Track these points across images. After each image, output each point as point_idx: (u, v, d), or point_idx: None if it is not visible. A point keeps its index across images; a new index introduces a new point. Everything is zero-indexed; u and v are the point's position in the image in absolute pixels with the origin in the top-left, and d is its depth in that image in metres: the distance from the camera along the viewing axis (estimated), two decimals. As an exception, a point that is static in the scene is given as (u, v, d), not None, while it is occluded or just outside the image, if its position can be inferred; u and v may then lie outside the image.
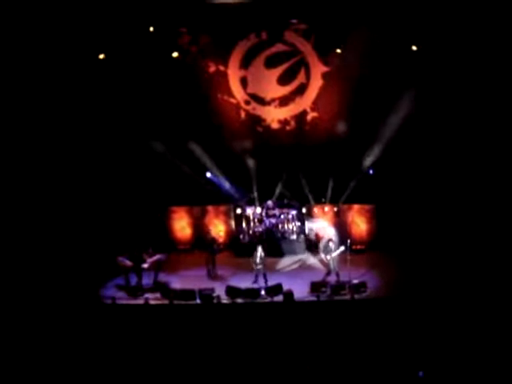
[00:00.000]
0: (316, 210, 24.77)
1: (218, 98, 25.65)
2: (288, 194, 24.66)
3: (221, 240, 24.20)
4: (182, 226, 25.44)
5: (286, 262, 23.31)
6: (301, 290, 20.50)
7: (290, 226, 24.60)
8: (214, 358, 17.21)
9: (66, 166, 24.15)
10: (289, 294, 20.10)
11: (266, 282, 20.95)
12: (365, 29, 22.94)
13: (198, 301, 20.33)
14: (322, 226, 24.28)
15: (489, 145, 22.76)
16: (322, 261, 22.07)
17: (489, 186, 22.63)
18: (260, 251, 21.22)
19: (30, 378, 16.82)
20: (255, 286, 20.82)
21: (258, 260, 21.18)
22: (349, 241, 22.45)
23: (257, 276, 21.12)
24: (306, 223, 24.67)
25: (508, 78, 22.30)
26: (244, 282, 21.03)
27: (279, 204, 24.84)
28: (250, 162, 25.01)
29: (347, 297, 20.10)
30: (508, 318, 17.59)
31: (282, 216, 24.64)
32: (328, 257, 21.30)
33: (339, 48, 24.08)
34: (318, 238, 24.01)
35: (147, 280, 21.65)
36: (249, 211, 24.99)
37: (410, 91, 23.14)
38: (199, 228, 25.18)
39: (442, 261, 21.39)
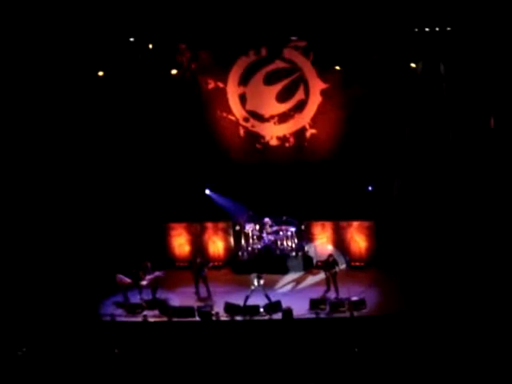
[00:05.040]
0: (315, 227, 24.67)
1: (216, 114, 25.63)
2: (287, 210, 24.56)
3: (210, 264, 23.75)
4: (180, 242, 25.33)
5: (285, 279, 23.22)
6: (300, 308, 20.42)
7: (289, 243, 24.52)
8: (213, 376, 17.15)
9: (64, 182, 24.16)
10: (288, 312, 20.02)
11: (269, 300, 20.75)
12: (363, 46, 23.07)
13: (197, 318, 20.27)
14: (321, 242, 24.21)
15: (489, 160, 22.75)
16: (321, 278, 22.02)
17: (490, 202, 22.57)
18: (255, 281, 20.95)
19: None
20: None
21: (254, 286, 20.98)
22: (348, 258, 22.38)
23: (247, 297, 20.77)
24: (305, 240, 24.58)
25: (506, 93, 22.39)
26: (243, 300, 20.90)
27: (278, 221, 24.73)
28: (250, 179, 24.97)
29: (346, 314, 20.02)
30: (508, 336, 17.56)
31: (281, 233, 24.54)
32: (328, 274, 21.26)
33: (338, 65, 24.09)
34: (317, 255, 23.92)
35: (146, 297, 21.63)
36: (248, 228, 24.89)
37: (409, 107, 23.22)
38: (198, 245, 25.07)
39: (442, 278, 21.33)
